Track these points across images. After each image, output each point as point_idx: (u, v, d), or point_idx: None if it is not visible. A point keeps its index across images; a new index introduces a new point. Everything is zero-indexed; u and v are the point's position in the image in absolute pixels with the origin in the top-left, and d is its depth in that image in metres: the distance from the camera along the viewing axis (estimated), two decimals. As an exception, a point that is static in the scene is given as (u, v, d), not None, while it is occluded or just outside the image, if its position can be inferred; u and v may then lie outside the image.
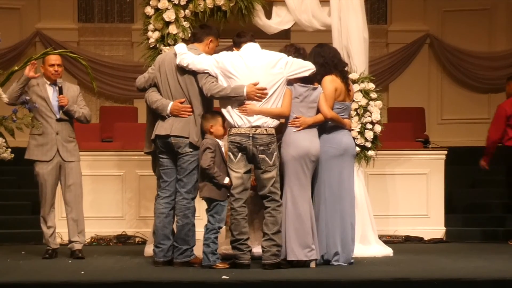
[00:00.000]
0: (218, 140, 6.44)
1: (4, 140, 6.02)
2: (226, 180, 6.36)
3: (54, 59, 7.24)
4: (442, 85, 12.89)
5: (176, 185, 6.54)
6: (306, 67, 6.45)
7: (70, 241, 7.30)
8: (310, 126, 6.50)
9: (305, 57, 6.58)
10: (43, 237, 7.33)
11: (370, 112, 7.62)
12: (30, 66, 6.84)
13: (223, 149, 6.46)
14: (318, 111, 6.56)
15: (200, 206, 6.69)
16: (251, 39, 6.52)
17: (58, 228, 7.49)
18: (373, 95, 7.65)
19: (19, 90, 6.99)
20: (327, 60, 6.72)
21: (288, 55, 6.48)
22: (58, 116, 7.22)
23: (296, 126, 6.45)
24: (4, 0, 12.27)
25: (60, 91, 7.24)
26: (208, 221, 6.40)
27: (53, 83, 7.27)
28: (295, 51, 6.59)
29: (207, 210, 6.44)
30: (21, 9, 12.57)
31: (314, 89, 6.54)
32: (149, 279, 5.65)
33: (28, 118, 6.20)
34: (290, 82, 6.45)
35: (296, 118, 6.45)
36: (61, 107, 7.20)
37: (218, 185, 6.37)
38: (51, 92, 7.26)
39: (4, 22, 11.90)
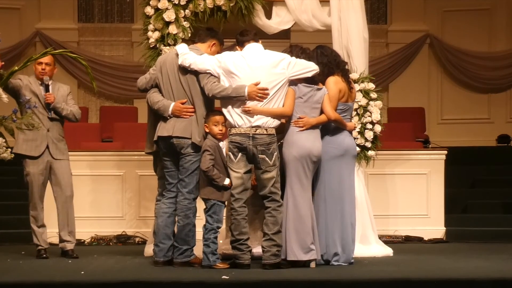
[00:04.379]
0: (217, 141, 6.42)
1: (4, 140, 6.02)
2: (227, 181, 6.35)
3: (43, 58, 7.18)
4: (442, 85, 12.91)
5: (178, 185, 6.54)
6: (310, 68, 6.45)
7: (62, 241, 7.29)
8: (313, 127, 6.50)
9: (310, 57, 6.57)
10: (33, 237, 7.24)
11: (370, 112, 7.62)
12: None
13: (224, 149, 6.45)
14: (322, 112, 6.56)
15: (201, 206, 6.69)
16: (254, 38, 6.51)
17: (55, 229, 7.46)
18: (373, 95, 7.65)
19: None
20: (330, 59, 6.74)
21: (292, 55, 6.48)
22: (50, 115, 7.22)
23: (299, 126, 6.45)
24: (4, 0, 12.28)
25: (47, 89, 7.24)
26: (207, 221, 6.40)
27: (42, 82, 7.28)
28: (302, 51, 6.59)
29: (205, 210, 6.44)
30: (21, 9, 12.59)
31: (319, 89, 6.54)
32: (149, 279, 5.65)
33: (28, 118, 6.20)
34: (294, 82, 6.45)
35: (300, 118, 6.45)
36: (48, 105, 7.21)
37: (218, 186, 6.36)
38: (41, 90, 7.26)
39: (4, 22, 11.91)
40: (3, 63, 6.75)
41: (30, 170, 7.20)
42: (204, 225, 6.40)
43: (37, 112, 7.14)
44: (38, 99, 7.19)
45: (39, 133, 7.14)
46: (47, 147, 7.21)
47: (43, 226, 7.25)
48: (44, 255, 7.17)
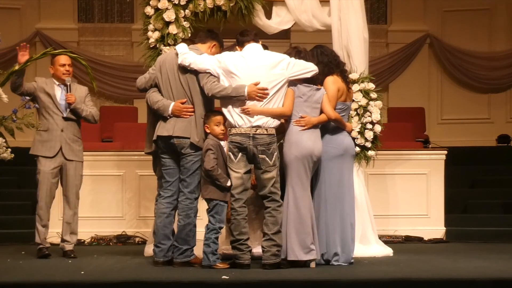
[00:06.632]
0: (219, 140, 6.43)
1: (4, 140, 6.03)
2: (229, 183, 6.35)
3: (65, 59, 7.32)
4: (442, 85, 12.90)
5: (179, 185, 6.54)
6: (309, 69, 6.45)
7: (62, 240, 7.32)
8: (314, 126, 6.50)
9: (306, 59, 6.57)
10: (35, 235, 7.25)
11: (370, 112, 7.62)
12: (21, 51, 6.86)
13: (225, 149, 6.46)
14: (321, 111, 6.56)
15: (201, 206, 6.69)
16: (255, 38, 6.51)
17: (57, 229, 7.44)
18: (373, 95, 7.65)
19: (16, 79, 7.03)
20: (331, 59, 6.76)
21: (291, 57, 6.48)
22: (65, 114, 7.25)
23: (301, 125, 6.45)
24: (4, 0, 12.28)
25: (68, 89, 7.27)
26: (209, 221, 6.40)
27: (62, 83, 7.32)
28: (302, 52, 6.59)
29: (208, 211, 6.44)
30: (21, 9, 12.58)
31: (317, 89, 6.55)
32: (149, 279, 5.65)
33: (28, 118, 6.21)
34: (294, 83, 6.45)
35: (301, 117, 6.44)
36: (68, 105, 7.24)
37: (221, 186, 6.36)
38: (58, 91, 7.31)
39: (4, 22, 11.90)
40: None
41: (42, 168, 7.24)
42: (206, 225, 6.41)
43: (51, 112, 7.23)
44: (51, 99, 7.23)
45: (53, 133, 7.22)
46: (61, 147, 7.24)
47: (45, 226, 7.26)
48: (46, 252, 7.17)
